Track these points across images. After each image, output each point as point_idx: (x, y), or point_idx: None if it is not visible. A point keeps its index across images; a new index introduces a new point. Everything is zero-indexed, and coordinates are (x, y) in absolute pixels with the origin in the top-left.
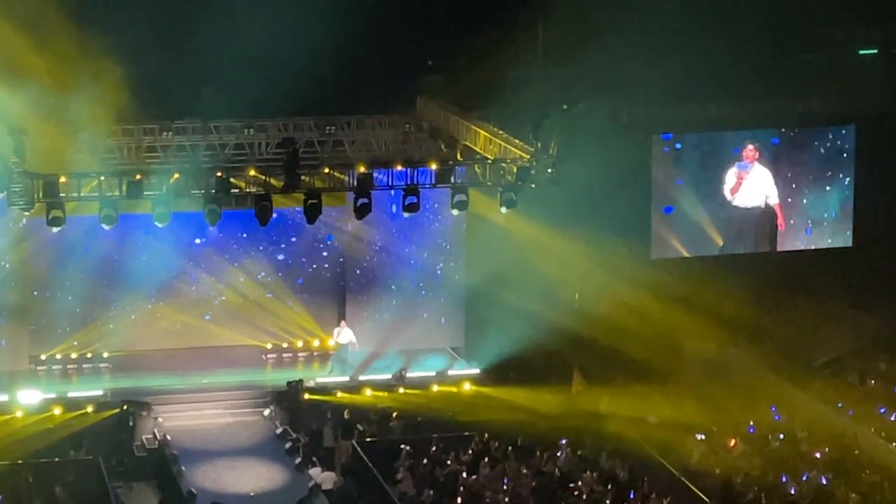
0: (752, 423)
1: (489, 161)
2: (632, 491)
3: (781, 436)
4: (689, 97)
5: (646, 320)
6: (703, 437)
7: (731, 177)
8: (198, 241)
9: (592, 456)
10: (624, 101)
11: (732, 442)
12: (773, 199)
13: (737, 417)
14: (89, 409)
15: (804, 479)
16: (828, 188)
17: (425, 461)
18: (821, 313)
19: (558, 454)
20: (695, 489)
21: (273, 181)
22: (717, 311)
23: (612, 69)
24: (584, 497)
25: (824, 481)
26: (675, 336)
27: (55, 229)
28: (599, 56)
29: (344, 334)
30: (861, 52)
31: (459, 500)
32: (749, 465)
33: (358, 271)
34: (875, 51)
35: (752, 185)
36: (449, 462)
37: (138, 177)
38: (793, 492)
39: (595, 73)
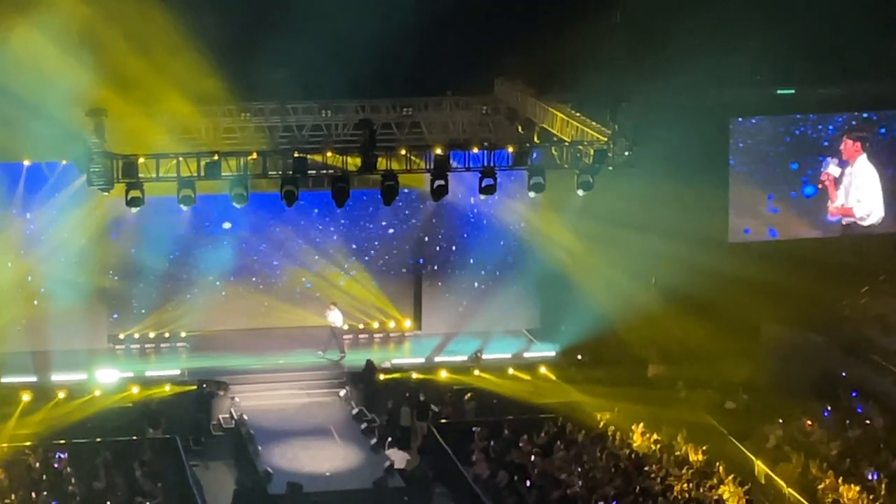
0: (828, 407)
1: (566, 143)
2: (707, 475)
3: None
4: (768, 80)
5: (723, 304)
6: (781, 421)
7: (825, 178)
8: (226, 225)
9: (668, 440)
10: (703, 83)
11: (809, 426)
12: (879, 211)
13: (813, 402)
14: (167, 388)
15: (882, 465)
16: None
17: (500, 443)
18: None
19: (633, 438)
20: (771, 473)
21: (350, 162)
22: (796, 295)
23: (690, 50)
24: (660, 481)
25: None
26: (752, 320)
27: (134, 209)
28: (678, 37)
29: (334, 316)
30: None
31: (534, 482)
32: (826, 450)
33: (434, 253)
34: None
35: (854, 189)
36: (522, 444)
37: (216, 157)
38: (871, 477)
39: (673, 55)
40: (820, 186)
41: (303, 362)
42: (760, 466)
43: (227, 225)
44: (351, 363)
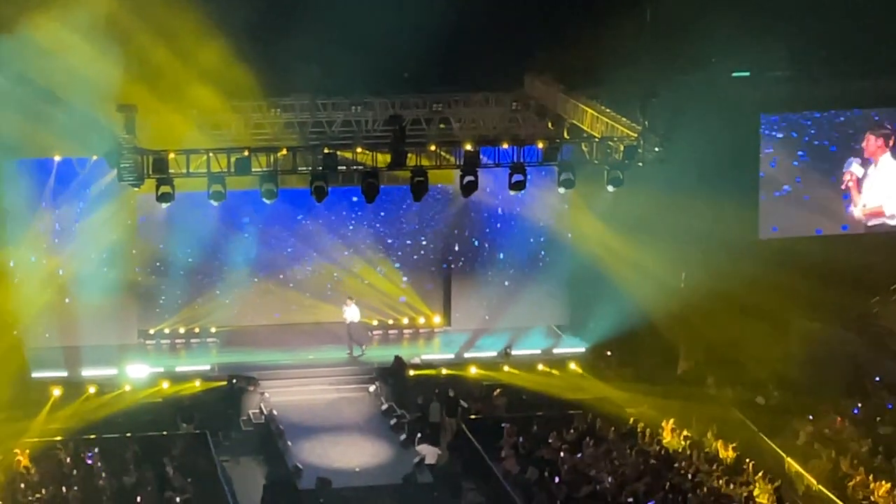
0: (859, 404)
1: (596, 139)
2: (737, 471)
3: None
4: (800, 75)
5: (753, 301)
6: (811, 417)
7: (848, 177)
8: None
9: (698, 436)
10: (732, 80)
11: (839, 423)
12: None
13: (843, 399)
14: (197, 383)
15: None
16: None
17: (529, 439)
18: None
19: (662, 434)
20: (802, 470)
21: (380, 158)
22: (825, 291)
23: (721, 45)
24: (690, 477)
25: None
26: (782, 316)
27: (164, 205)
28: (708, 32)
29: (351, 312)
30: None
31: (564, 478)
32: (857, 447)
33: (464, 249)
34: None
35: (878, 188)
36: (551, 441)
37: (246, 153)
38: None
39: (704, 50)
40: (843, 188)
41: (332, 358)
42: (791, 463)
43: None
44: (380, 359)
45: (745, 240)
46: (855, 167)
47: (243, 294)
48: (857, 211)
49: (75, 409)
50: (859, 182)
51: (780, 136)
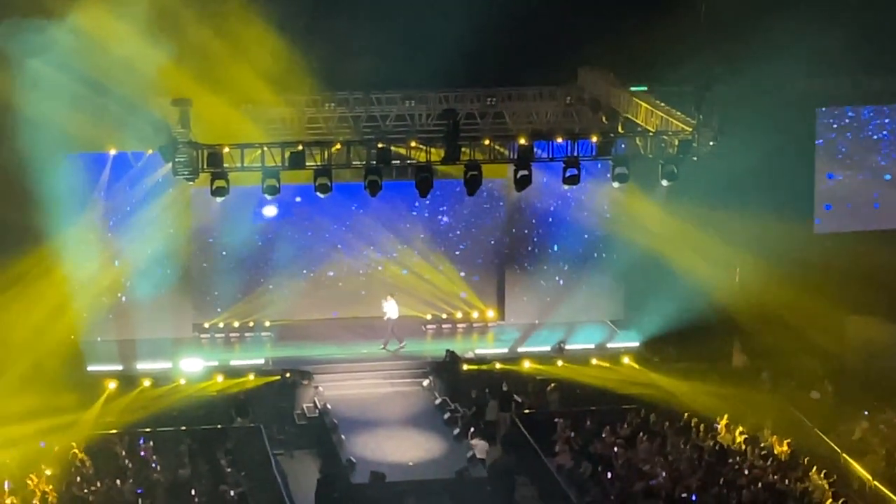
0: None
1: (650, 133)
2: (792, 467)
3: None
4: (855, 69)
5: (808, 296)
6: (866, 413)
7: None
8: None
9: (753, 431)
10: (788, 73)
11: (895, 419)
12: None
13: None
14: (251, 377)
15: None
16: None
17: (583, 434)
18: None
19: (717, 429)
20: (857, 466)
21: (434, 152)
22: (883, 287)
23: (776, 39)
24: (745, 472)
25: None
26: (838, 312)
27: (219, 199)
28: (762, 26)
29: (390, 307)
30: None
31: (617, 473)
32: None
33: (518, 243)
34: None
35: None
36: (605, 435)
37: (300, 147)
38: None
39: (759, 44)
40: None
41: (385, 352)
42: (846, 459)
43: (271, 212)
44: (434, 353)
45: (801, 234)
46: None
47: (297, 288)
48: None
49: (130, 402)
50: None
51: (836, 130)
